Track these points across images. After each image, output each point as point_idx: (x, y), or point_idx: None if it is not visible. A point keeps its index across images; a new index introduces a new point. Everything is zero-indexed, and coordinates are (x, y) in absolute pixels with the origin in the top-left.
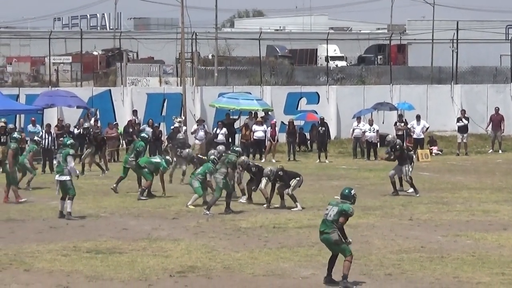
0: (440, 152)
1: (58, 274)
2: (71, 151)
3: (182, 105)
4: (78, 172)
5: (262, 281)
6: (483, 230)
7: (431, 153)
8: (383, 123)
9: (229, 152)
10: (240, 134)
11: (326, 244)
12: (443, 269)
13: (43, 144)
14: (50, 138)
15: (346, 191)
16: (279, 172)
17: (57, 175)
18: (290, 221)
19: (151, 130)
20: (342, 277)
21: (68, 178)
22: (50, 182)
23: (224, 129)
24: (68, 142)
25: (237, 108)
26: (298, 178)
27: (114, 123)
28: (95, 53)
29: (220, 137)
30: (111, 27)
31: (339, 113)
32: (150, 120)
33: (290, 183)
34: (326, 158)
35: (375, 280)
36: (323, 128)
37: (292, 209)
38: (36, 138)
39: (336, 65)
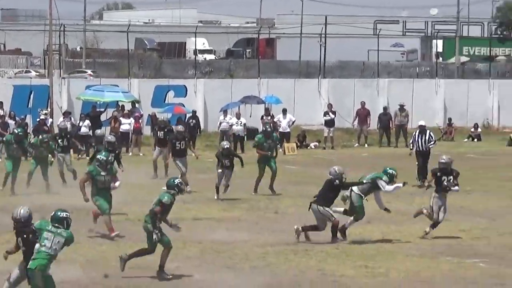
0: (317, 144)
1: None
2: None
3: (49, 97)
4: None
5: (128, 274)
6: None
7: (307, 146)
8: (250, 116)
9: None
10: (110, 127)
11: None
12: (307, 262)
13: None
14: None
15: (172, 180)
16: None
17: None
18: None
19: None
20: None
21: None
22: None
23: (87, 121)
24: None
25: (103, 100)
26: None
27: None
28: None
29: (84, 130)
30: None
31: (206, 106)
32: (12, 112)
33: None
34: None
35: (240, 273)
36: (194, 121)
37: None
38: None
39: (205, 59)
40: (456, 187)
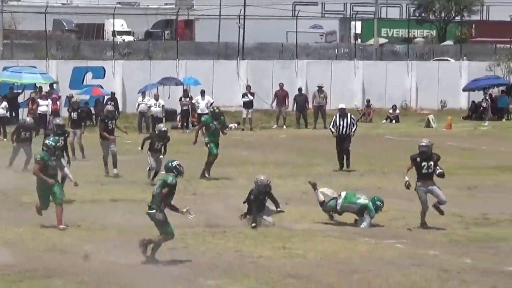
0: (236, 125)
1: None
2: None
3: None
4: None
5: (44, 256)
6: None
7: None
8: (168, 98)
9: None
10: (27, 109)
11: (151, 220)
12: (225, 243)
13: None
14: None
15: (169, 163)
16: None
17: None
18: (73, 196)
19: None
20: (148, 239)
21: None
22: None
23: (5, 103)
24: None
25: (20, 82)
26: None
27: None
28: None
29: (1, 111)
30: None
31: (125, 87)
32: None
33: None
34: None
35: (157, 254)
36: (112, 103)
37: None
38: None
39: (123, 40)
40: (442, 171)
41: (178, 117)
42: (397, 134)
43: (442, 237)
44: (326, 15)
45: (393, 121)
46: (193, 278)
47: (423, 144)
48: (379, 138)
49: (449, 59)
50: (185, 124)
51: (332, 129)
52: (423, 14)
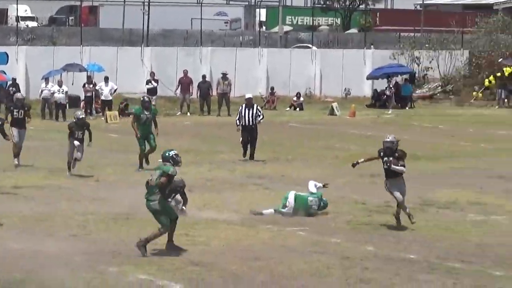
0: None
1: None
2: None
3: None
4: None
5: None
6: None
7: (130, 114)
8: (72, 84)
9: None
10: None
11: (150, 211)
12: (128, 230)
13: None
14: None
15: (167, 153)
16: None
17: None
18: None
19: None
20: (144, 239)
21: None
22: None
23: None
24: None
25: None
26: None
27: None
28: None
29: None
30: None
31: (28, 73)
32: None
33: None
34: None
35: (60, 241)
36: (14, 89)
37: None
38: None
39: (27, 26)
40: (401, 168)
41: (82, 104)
42: (301, 121)
43: (344, 225)
44: (231, 2)
45: (297, 109)
46: (95, 265)
47: (388, 139)
48: (283, 125)
49: (310, 46)
50: (88, 110)
51: (237, 123)
52: (327, 2)
